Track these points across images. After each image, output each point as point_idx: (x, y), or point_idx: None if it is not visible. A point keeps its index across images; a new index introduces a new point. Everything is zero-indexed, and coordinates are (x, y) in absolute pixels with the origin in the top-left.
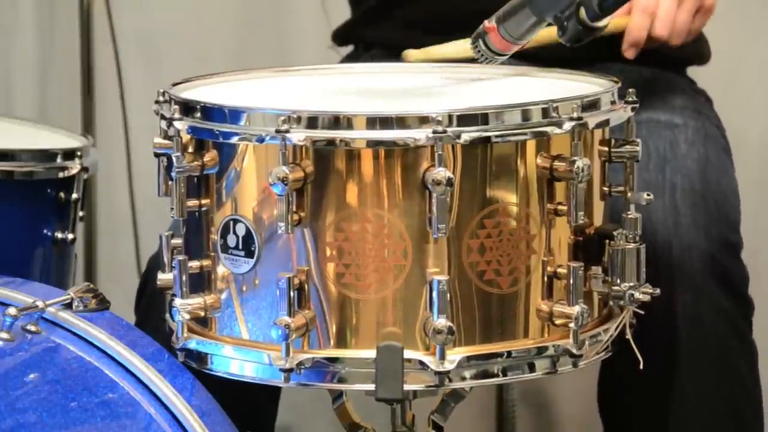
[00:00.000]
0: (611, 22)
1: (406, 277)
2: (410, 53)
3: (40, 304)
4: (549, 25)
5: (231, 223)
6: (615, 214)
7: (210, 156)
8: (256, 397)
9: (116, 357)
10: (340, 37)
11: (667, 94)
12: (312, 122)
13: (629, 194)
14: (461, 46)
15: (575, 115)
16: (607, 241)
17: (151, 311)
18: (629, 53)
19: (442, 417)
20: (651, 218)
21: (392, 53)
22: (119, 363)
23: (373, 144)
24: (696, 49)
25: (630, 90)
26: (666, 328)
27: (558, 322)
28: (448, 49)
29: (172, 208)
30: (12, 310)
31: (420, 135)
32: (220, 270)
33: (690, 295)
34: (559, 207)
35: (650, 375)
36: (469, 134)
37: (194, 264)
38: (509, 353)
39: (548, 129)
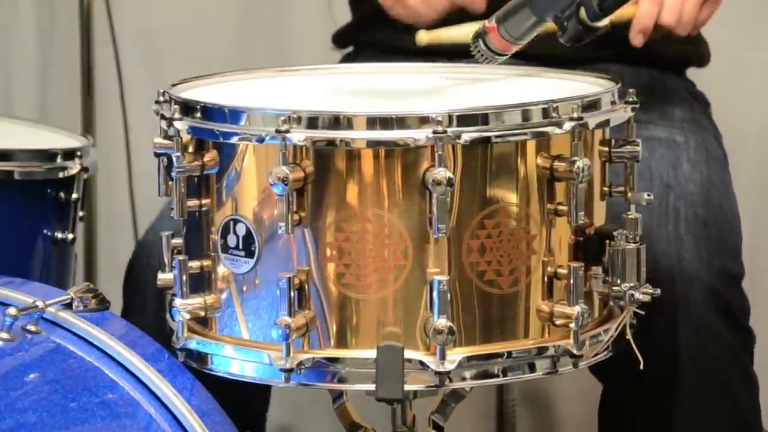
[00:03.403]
0: (620, 10)
1: (407, 277)
2: (421, 36)
3: (40, 304)
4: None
5: (231, 223)
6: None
7: (210, 156)
8: (253, 397)
9: (116, 357)
10: (340, 39)
11: (666, 103)
12: (312, 122)
13: (629, 194)
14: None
15: (575, 115)
16: (608, 241)
17: (136, 297)
18: (637, 40)
19: (442, 417)
20: (654, 248)
21: (390, 54)
22: (119, 363)
23: (373, 144)
24: (695, 51)
25: (630, 90)
26: (668, 359)
27: (558, 322)
28: (457, 32)
29: (172, 208)
30: (12, 310)
31: (420, 135)
32: (221, 270)
33: (692, 327)
34: (560, 207)
35: (652, 405)
36: (469, 134)
37: (194, 264)
38: (509, 353)
39: (548, 129)
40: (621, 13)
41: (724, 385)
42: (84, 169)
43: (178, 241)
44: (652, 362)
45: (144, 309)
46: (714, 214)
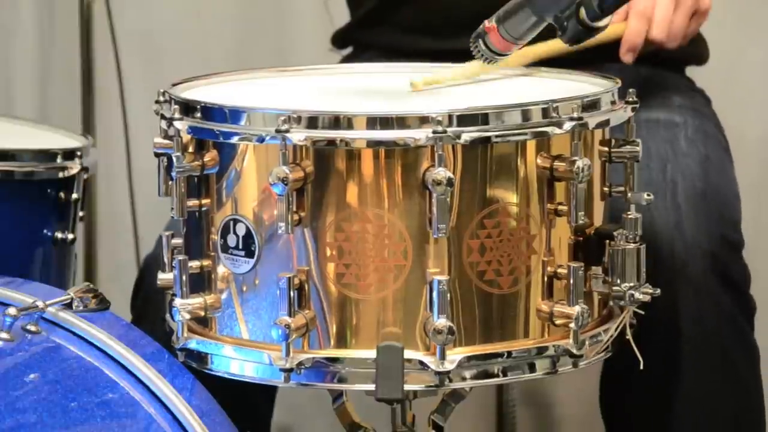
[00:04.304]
0: (609, 29)
1: (407, 277)
2: (415, 84)
3: (40, 304)
4: (549, 25)
5: (231, 222)
6: (616, 213)
7: (210, 156)
8: (253, 397)
9: (116, 357)
10: (339, 40)
11: (666, 92)
12: (312, 122)
13: (629, 194)
14: (466, 70)
15: (575, 115)
16: (608, 241)
17: (147, 310)
18: (627, 58)
19: (442, 417)
20: (653, 217)
21: (389, 55)
22: (119, 363)
23: (373, 144)
24: (694, 50)
25: (630, 90)
26: (668, 327)
27: (558, 322)
28: (450, 73)
29: (172, 208)
30: (12, 310)
31: (420, 135)
32: (221, 270)
33: (692, 294)
34: (560, 207)
35: (652, 375)
36: (469, 134)
37: (194, 264)
38: (509, 353)
39: (548, 129)
40: (610, 31)
41: (724, 353)
42: (84, 169)
43: (178, 240)
44: (652, 330)
45: (156, 321)
46: (712, 189)
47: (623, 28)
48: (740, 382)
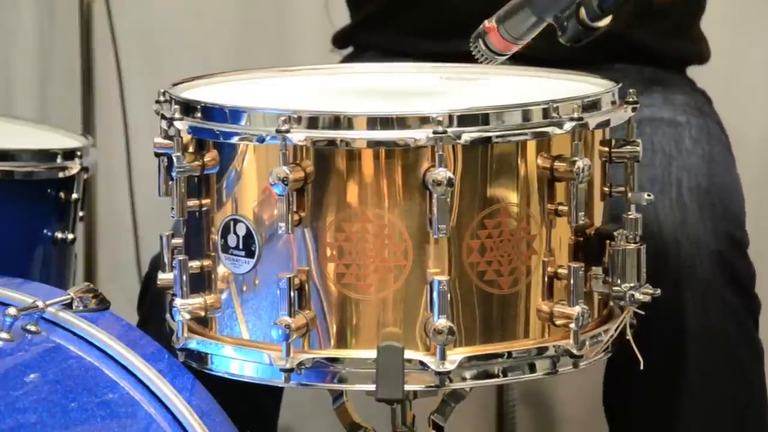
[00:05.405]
0: None
1: (407, 278)
2: None
3: (40, 304)
4: (549, 25)
5: (231, 223)
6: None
7: (210, 156)
8: (257, 396)
9: (116, 357)
10: (340, 40)
11: (668, 92)
12: (312, 122)
13: (630, 194)
14: None
15: (576, 115)
16: (608, 241)
17: (154, 311)
18: None
19: (442, 417)
20: (658, 215)
21: (390, 56)
22: (119, 363)
23: (373, 144)
24: (695, 49)
25: (631, 90)
26: (673, 324)
27: (558, 322)
28: None
29: (172, 208)
30: (12, 310)
31: (420, 135)
32: (221, 270)
33: (697, 291)
34: (560, 207)
35: (657, 371)
36: (469, 134)
37: (195, 264)
38: (510, 354)
39: (549, 129)
40: None
41: (728, 350)
42: (84, 169)
43: (178, 240)
44: (657, 327)
45: (163, 321)
46: (716, 187)
47: None
48: (745, 380)
